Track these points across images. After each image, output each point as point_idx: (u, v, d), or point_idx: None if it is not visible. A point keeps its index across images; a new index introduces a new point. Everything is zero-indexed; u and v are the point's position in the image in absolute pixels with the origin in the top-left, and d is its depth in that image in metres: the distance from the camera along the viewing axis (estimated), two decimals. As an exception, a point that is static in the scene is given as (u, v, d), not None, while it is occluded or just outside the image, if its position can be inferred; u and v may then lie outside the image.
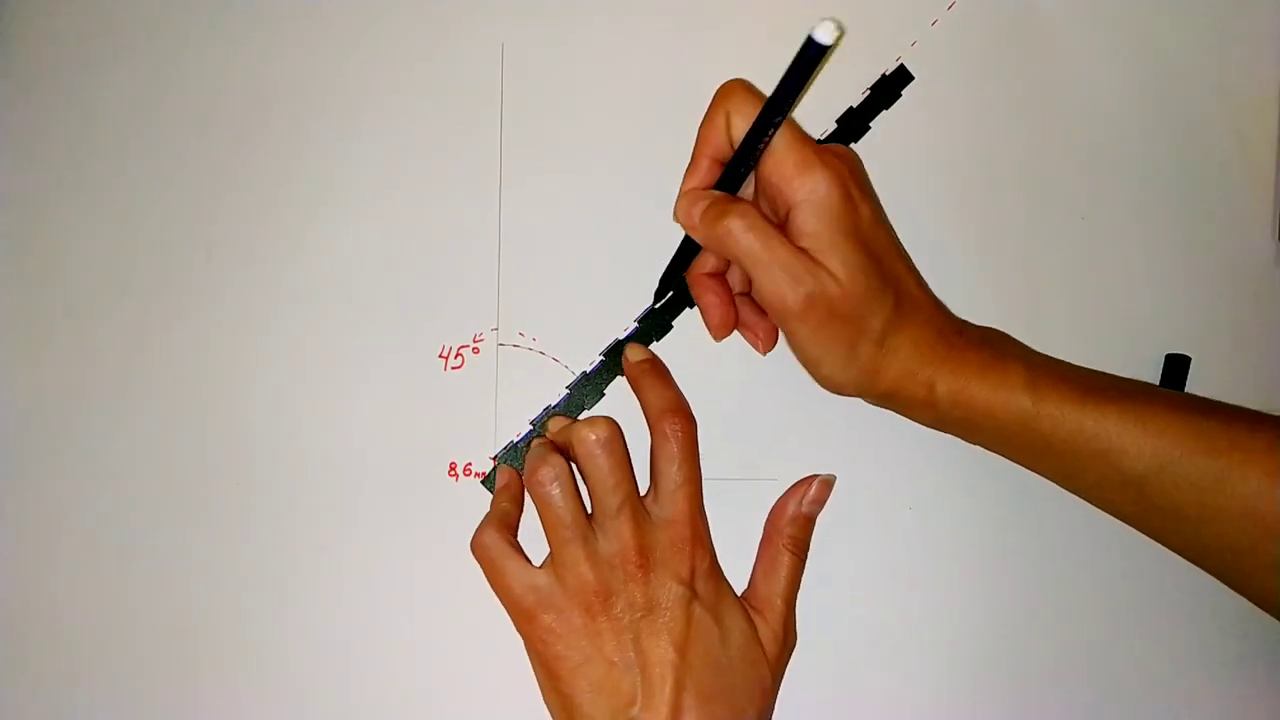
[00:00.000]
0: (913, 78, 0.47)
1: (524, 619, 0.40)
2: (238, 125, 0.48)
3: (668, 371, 0.45)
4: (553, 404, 0.46)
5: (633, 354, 0.45)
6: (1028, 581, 0.45)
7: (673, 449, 0.41)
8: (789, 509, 0.43)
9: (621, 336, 0.46)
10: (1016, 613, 0.45)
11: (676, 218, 0.41)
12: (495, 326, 0.46)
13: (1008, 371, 0.40)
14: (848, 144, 0.46)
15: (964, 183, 0.47)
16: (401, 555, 0.45)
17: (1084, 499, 0.41)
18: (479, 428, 0.46)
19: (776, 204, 0.39)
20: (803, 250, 0.38)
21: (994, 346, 0.41)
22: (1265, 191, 0.47)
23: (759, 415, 0.46)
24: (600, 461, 0.40)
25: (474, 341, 0.46)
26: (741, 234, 0.38)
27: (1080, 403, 0.39)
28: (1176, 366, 0.45)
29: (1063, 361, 0.42)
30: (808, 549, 0.44)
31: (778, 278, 0.38)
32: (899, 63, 0.47)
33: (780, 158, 0.37)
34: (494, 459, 0.46)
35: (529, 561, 0.41)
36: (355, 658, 0.45)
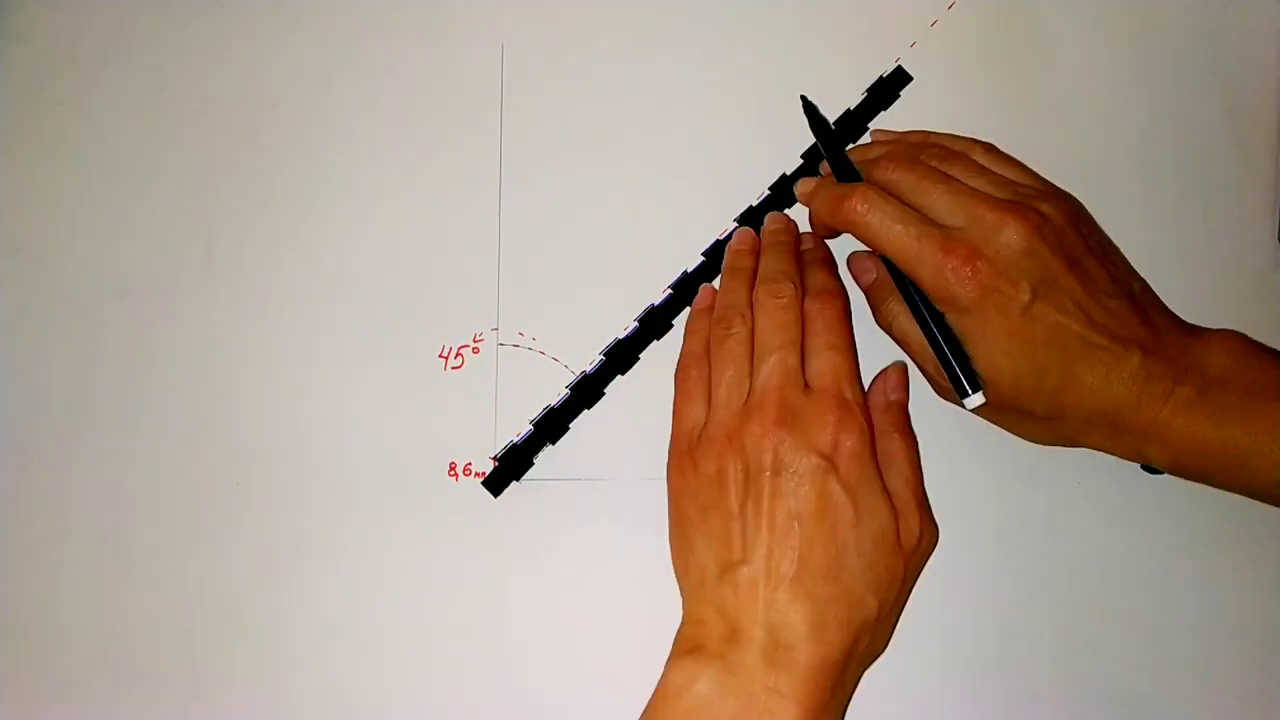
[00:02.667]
0: (911, 78, 0.47)
1: (671, 455, 0.40)
2: (237, 125, 0.48)
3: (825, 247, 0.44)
4: (553, 404, 0.46)
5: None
6: (1028, 581, 0.45)
7: (823, 321, 0.39)
8: (879, 403, 0.41)
9: (622, 335, 0.46)
10: (1017, 613, 0.45)
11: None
12: (495, 326, 0.46)
13: (1228, 436, 0.36)
14: (844, 146, 0.45)
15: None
16: (401, 555, 0.45)
17: None
18: (479, 428, 0.46)
19: None
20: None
21: (1209, 404, 0.36)
22: (1265, 191, 0.47)
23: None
24: (774, 312, 0.39)
25: (474, 341, 0.46)
26: (894, 325, 0.41)
27: None
28: (1177, 367, 0.45)
29: None
30: (913, 432, 0.41)
31: (924, 365, 0.41)
32: (897, 63, 0.47)
33: (914, 271, 0.38)
34: (494, 459, 0.46)
35: (707, 404, 0.40)
36: (355, 657, 0.45)
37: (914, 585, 0.40)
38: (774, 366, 0.38)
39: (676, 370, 0.42)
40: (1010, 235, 0.37)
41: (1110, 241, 0.41)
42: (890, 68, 0.47)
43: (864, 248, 0.42)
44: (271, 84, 0.48)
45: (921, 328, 0.40)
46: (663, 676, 0.37)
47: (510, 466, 0.45)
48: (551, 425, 0.45)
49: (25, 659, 0.45)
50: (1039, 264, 0.37)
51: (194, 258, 0.47)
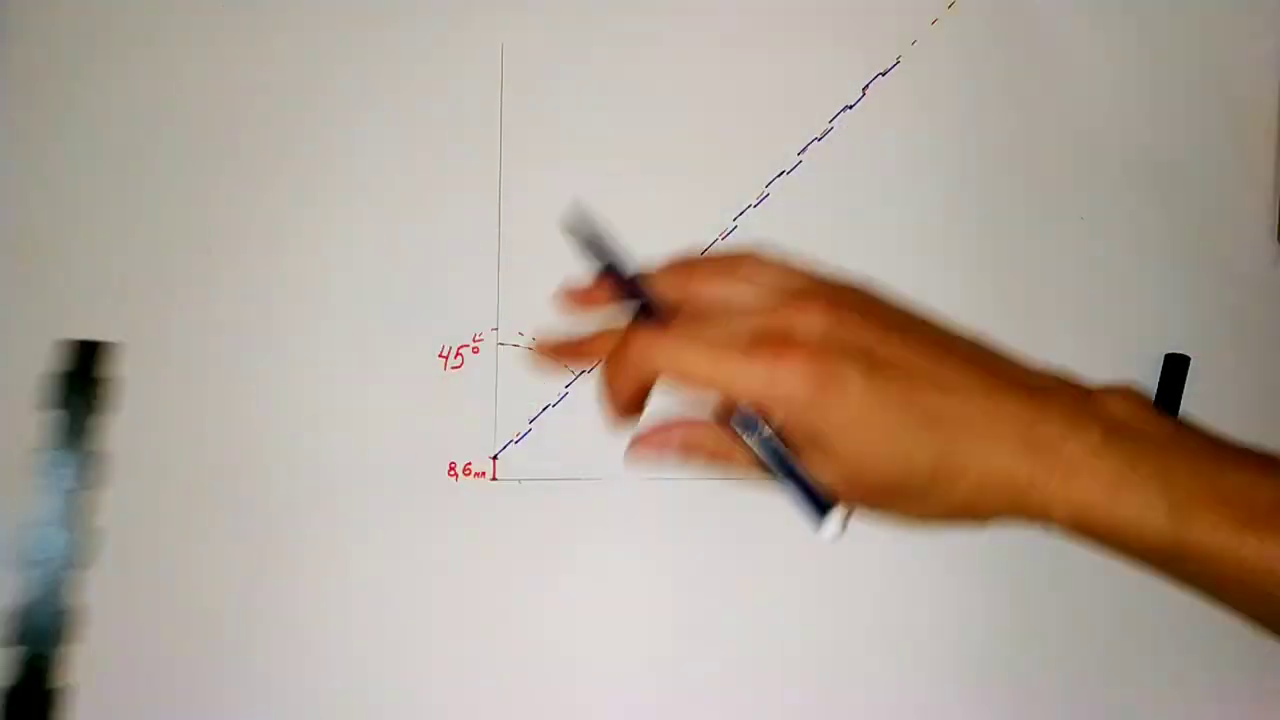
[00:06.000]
0: None
1: None
2: (237, 125, 0.48)
3: None
4: (553, 403, 0.46)
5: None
6: (1028, 582, 0.45)
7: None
8: None
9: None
10: (1017, 613, 0.45)
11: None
12: (495, 326, 0.46)
13: (1139, 490, 0.31)
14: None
15: (963, 182, 0.47)
16: (402, 554, 0.45)
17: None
18: (479, 428, 0.46)
19: None
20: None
21: (1119, 453, 0.32)
22: (1265, 191, 0.47)
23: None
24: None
25: (474, 341, 0.46)
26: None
27: (1239, 529, 0.31)
28: (1176, 366, 0.45)
29: (1218, 449, 0.33)
30: None
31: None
32: (902, 71, 0.47)
33: (733, 388, 0.32)
34: (494, 458, 0.46)
35: None
36: (355, 656, 0.45)
37: None
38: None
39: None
40: (809, 321, 0.32)
41: (915, 309, 0.36)
42: (898, 72, 0.47)
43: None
44: (272, 84, 0.48)
45: (772, 461, 0.33)
46: None
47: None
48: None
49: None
50: (853, 338, 0.32)
51: (194, 257, 0.47)
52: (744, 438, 0.33)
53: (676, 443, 0.35)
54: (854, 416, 0.32)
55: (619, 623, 0.45)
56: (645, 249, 0.46)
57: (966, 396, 0.32)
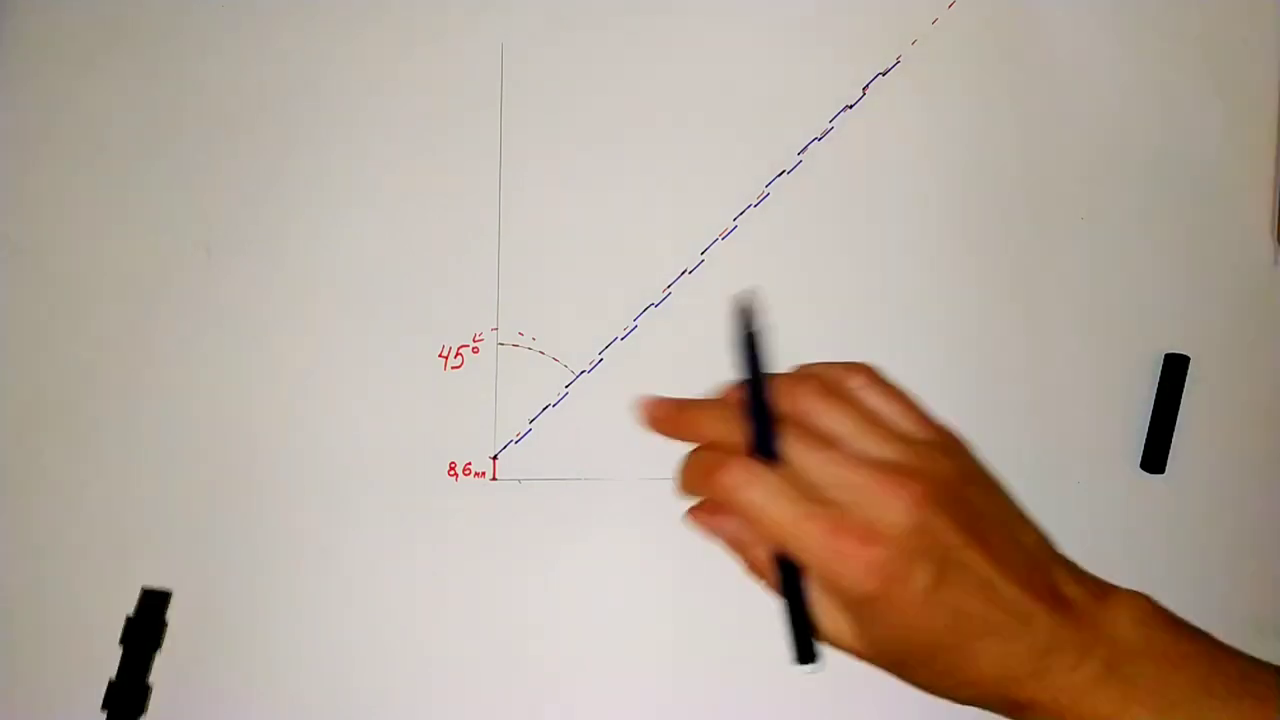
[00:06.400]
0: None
1: None
2: (237, 125, 0.47)
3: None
4: (553, 403, 0.46)
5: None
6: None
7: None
8: None
9: (623, 335, 0.46)
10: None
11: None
12: (495, 326, 0.46)
13: (1166, 694, 0.33)
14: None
15: (963, 183, 0.47)
16: (402, 554, 0.45)
17: None
18: (479, 428, 0.46)
19: None
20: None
21: (1120, 681, 0.33)
22: (1265, 191, 0.47)
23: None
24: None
25: (474, 341, 0.46)
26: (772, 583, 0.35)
27: None
28: (1176, 366, 0.45)
29: (1213, 666, 0.33)
30: None
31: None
32: (903, 71, 0.47)
33: (800, 554, 0.33)
34: (494, 458, 0.46)
35: None
36: (355, 656, 0.45)
37: None
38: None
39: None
40: (899, 513, 0.32)
41: (999, 486, 0.37)
42: (897, 73, 0.47)
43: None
44: (271, 84, 0.48)
45: (784, 595, 0.35)
46: None
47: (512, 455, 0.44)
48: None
49: (25, 658, 0.45)
50: (935, 541, 0.32)
51: (194, 257, 0.47)
52: (779, 574, 0.34)
53: (727, 536, 0.36)
54: (905, 612, 0.32)
55: (619, 623, 0.45)
56: (645, 249, 0.46)
57: (1008, 614, 0.33)
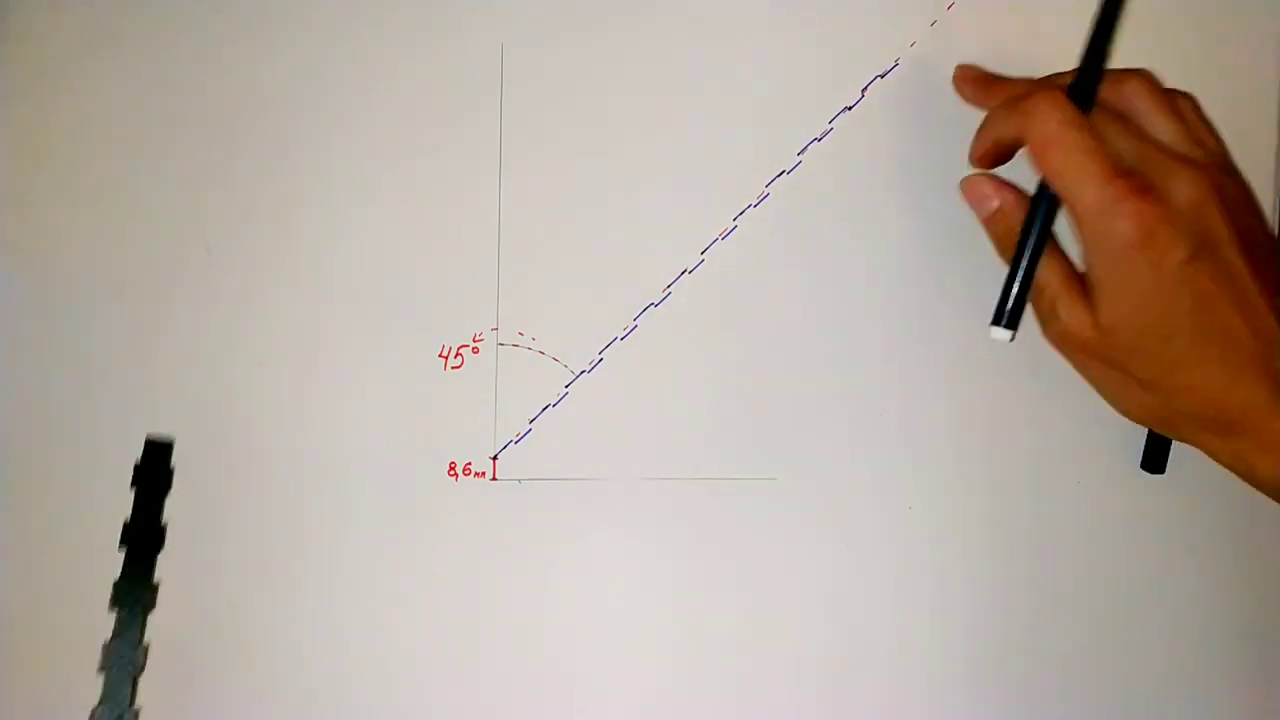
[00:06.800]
0: None
1: None
2: (237, 124, 0.48)
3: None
4: (553, 402, 0.46)
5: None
6: (1028, 581, 0.45)
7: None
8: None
9: (623, 335, 0.46)
10: (1017, 613, 0.45)
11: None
12: (495, 326, 0.46)
13: None
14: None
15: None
16: (401, 555, 0.45)
17: None
18: (479, 428, 0.46)
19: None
20: (1078, 278, 0.35)
21: None
22: (1265, 192, 0.47)
23: (759, 415, 0.46)
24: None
25: (474, 341, 0.46)
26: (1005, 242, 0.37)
27: None
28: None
29: None
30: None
31: (1040, 300, 0.36)
32: (903, 71, 0.47)
33: (1075, 190, 0.34)
34: (494, 458, 0.46)
35: None
36: (355, 657, 0.45)
37: None
38: None
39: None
40: (1184, 186, 0.33)
41: (1273, 232, 0.37)
42: (896, 74, 0.47)
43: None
44: (271, 83, 0.48)
45: (1016, 250, 0.36)
46: None
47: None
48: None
49: (24, 659, 0.45)
50: (1206, 224, 0.33)
51: (194, 257, 0.47)
52: (1036, 211, 0.36)
53: (994, 204, 0.38)
54: (1152, 281, 0.33)
55: (619, 623, 0.45)
56: (645, 249, 0.46)
57: (1252, 327, 0.33)
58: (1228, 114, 0.47)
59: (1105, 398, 0.37)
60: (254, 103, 0.48)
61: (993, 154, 0.38)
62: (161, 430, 0.46)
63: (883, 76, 0.47)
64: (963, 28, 0.48)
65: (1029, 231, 0.36)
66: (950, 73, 0.47)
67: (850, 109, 0.47)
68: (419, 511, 0.45)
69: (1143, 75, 0.37)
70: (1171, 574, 0.44)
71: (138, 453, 0.46)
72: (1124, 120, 0.36)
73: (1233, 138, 0.47)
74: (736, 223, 0.47)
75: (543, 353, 0.46)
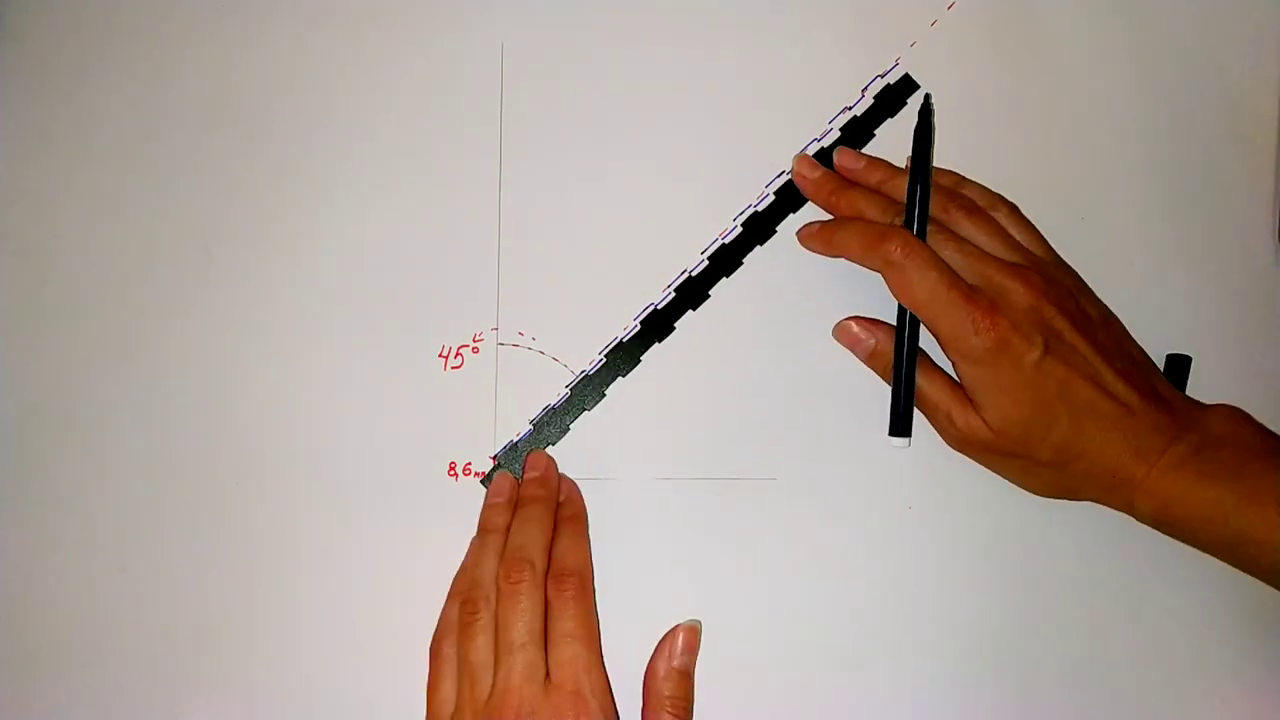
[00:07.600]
0: (918, 86, 0.47)
1: None
2: (237, 125, 0.48)
3: (584, 512, 0.44)
4: (553, 403, 0.46)
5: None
6: (1027, 581, 0.45)
7: (560, 605, 0.40)
8: (660, 669, 0.41)
9: (623, 336, 0.46)
10: (1016, 612, 0.45)
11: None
12: (495, 326, 0.46)
13: (1213, 489, 0.38)
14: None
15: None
16: (401, 555, 0.45)
17: None
18: (479, 428, 0.46)
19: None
20: (960, 390, 0.41)
21: (1206, 460, 0.39)
22: (1265, 191, 0.47)
23: (759, 415, 0.46)
24: (513, 599, 0.39)
25: (474, 341, 0.46)
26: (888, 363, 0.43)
27: None
28: (1177, 367, 0.45)
29: None
30: (691, 705, 0.41)
31: (936, 415, 0.42)
32: (903, 72, 0.47)
33: (936, 318, 0.40)
34: (494, 458, 0.46)
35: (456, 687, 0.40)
36: (355, 657, 0.45)
37: None
38: (513, 665, 0.38)
39: (432, 641, 0.42)
40: (1020, 294, 0.39)
41: (1111, 312, 0.43)
42: (897, 74, 0.47)
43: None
44: (271, 84, 0.48)
45: (895, 366, 0.42)
46: None
47: (509, 466, 0.45)
48: (552, 425, 0.45)
49: (24, 659, 0.45)
50: (1046, 320, 0.39)
51: (194, 258, 0.47)
52: (903, 335, 0.42)
53: (870, 342, 0.44)
54: (1018, 379, 0.39)
55: (619, 623, 0.45)
56: (645, 249, 0.46)
57: (1110, 398, 0.39)
58: (1228, 114, 0.47)
59: (1014, 483, 0.43)
60: (254, 104, 0.48)
61: (835, 254, 0.44)
62: (161, 430, 0.46)
63: (883, 76, 0.47)
64: (963, 28, 0.48)
65: (901, 351, 0.42)
66: (950, 73, 0.47)
67: (851, 108, 0.47)
68: (419, 511, 0.45)
69: (962, 200, 0.43)
70: (1172, 572, 0.44)
71: (138, 453, 0.46)
72: (956, 239, 0.41)
73: (1233, 138, 0.47)
74: (736, 223, 0.47)
75: (543, 353, 0.46)
